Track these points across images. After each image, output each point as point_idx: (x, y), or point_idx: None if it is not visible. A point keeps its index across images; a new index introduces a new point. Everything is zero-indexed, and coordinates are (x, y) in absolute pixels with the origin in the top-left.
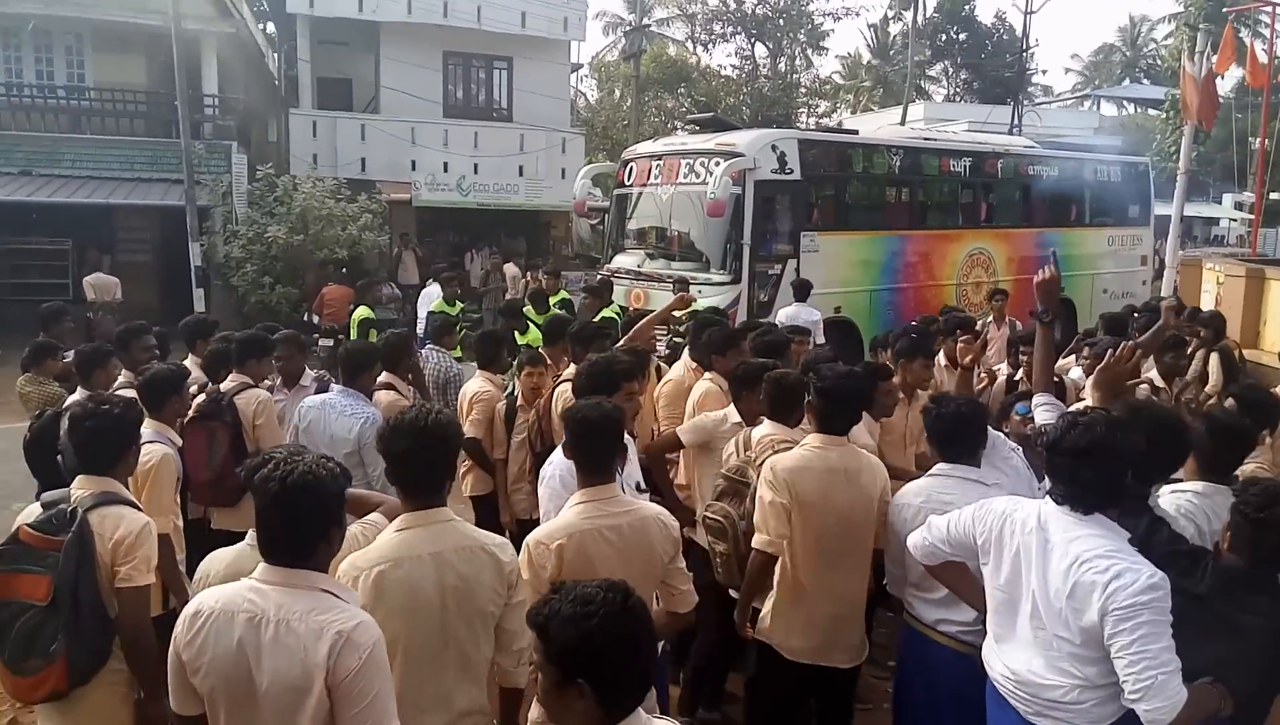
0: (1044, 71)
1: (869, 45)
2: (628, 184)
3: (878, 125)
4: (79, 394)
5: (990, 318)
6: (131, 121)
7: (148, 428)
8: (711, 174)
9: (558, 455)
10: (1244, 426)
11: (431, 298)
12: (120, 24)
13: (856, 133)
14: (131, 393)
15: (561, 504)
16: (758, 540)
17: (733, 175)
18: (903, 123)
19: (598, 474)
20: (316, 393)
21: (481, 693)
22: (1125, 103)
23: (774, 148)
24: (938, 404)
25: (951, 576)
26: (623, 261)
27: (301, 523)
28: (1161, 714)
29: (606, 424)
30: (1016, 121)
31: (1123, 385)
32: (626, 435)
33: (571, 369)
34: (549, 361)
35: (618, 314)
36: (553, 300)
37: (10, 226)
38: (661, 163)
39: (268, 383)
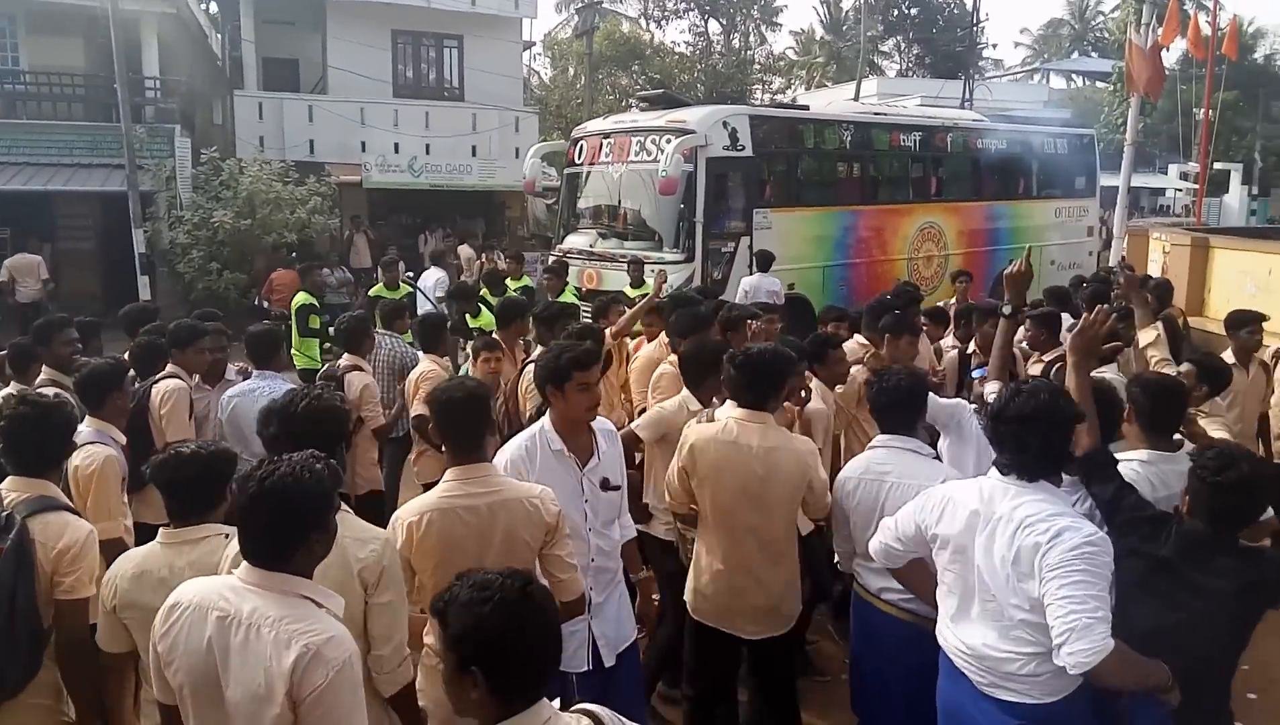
0: (994, 45)
1: (822, 21)
2: (578, 163)
3: (832, 101)
4: (12, 387)
5: (954, 300)
6: (69, 105)
7: (88, 427)
8: (663, 151)
9: (516, 439)
10: (1178, 386)
11: (432, 281)
12: (55, 5)
13: (807, 109)
14: (54, 391)
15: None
16: (667, 503)
17: (684, 152)
18: (856, 98)
19: (465, 453)
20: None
21: None
22: (1074, 76)
23: (725, 124)
24: (878, 377)
25: (916, 578)
26: (575, 241)
27: (278, 526)
28: (1085, 656)
29: (471, 403)
30: (968, 96)
31: (1098, 349)
32: (603, 425)
33: (539, 351)
34: (504, 346)
35: (575, 294)
36: (514, 285)
37: None
38: (612, 141)
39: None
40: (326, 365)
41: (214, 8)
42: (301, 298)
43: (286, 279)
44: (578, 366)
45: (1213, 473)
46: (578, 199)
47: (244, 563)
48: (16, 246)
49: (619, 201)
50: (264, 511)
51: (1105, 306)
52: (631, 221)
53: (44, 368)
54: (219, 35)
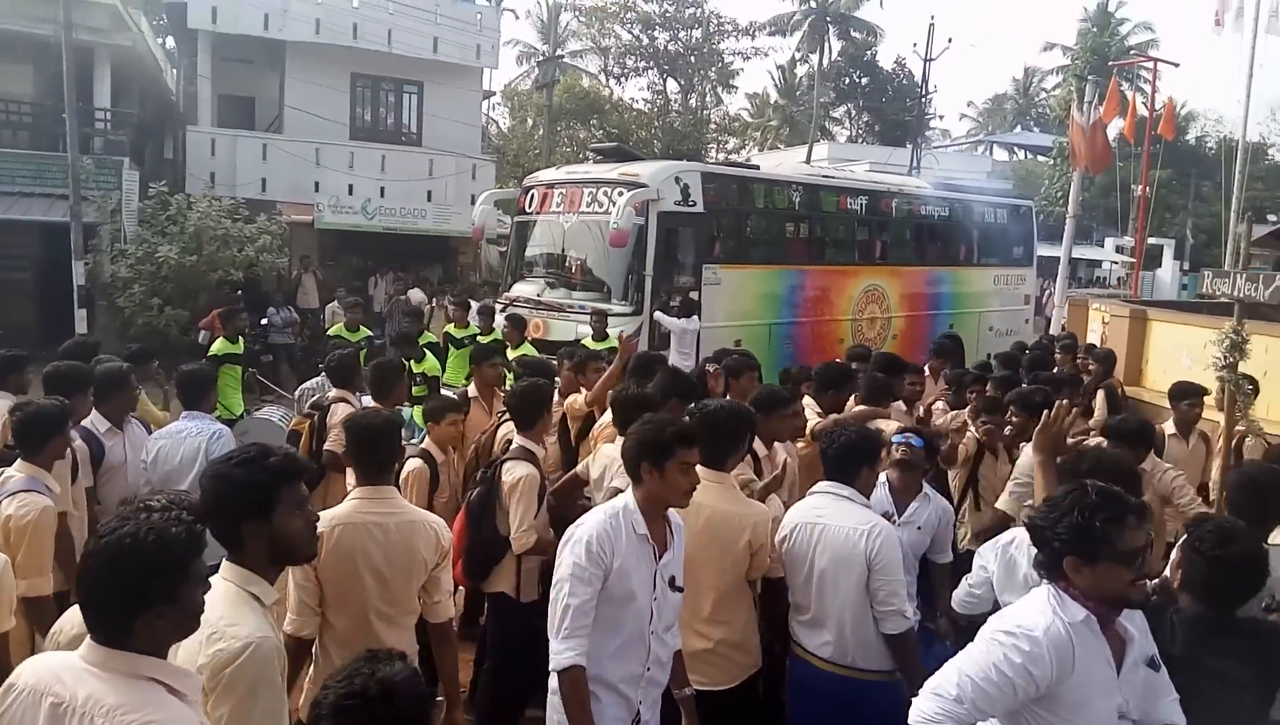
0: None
1: (777, 85)
2: (529, 211)
3: (784, 162)
4: None
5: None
6: (14, 133)
7: (20, 473)
8: (615, 203)
9: (594, 515)
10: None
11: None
12: (6, 31)
13: (758, 168)
14: None
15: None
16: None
17: (636, 205)
18: (808, 161)
19: (376, 476)
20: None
21: None
22: (1016, 149)
23: (678, 180)
24: (833, 432)
25: None
26: (523, 289)
27: (113, 594)
28: None
29: (387, 428)
30: (915, 163)
31: (1063, 444)
32: (674, 517)
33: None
34: (479, 396)
35: (532, 346)
36: (459, 333)
37: None
38: (564, 191)
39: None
40: (314, 395)
41: (171, 43)
42: (219, 346)
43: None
44: (682, 443)
45: (1211, 547)
46: (527, 247)
47: (86, 639)
48: None
49: (569, 252)
50: (98, 574)
51: (1064, 403)
52: (581, 272)
53: None
54: (174, 70)
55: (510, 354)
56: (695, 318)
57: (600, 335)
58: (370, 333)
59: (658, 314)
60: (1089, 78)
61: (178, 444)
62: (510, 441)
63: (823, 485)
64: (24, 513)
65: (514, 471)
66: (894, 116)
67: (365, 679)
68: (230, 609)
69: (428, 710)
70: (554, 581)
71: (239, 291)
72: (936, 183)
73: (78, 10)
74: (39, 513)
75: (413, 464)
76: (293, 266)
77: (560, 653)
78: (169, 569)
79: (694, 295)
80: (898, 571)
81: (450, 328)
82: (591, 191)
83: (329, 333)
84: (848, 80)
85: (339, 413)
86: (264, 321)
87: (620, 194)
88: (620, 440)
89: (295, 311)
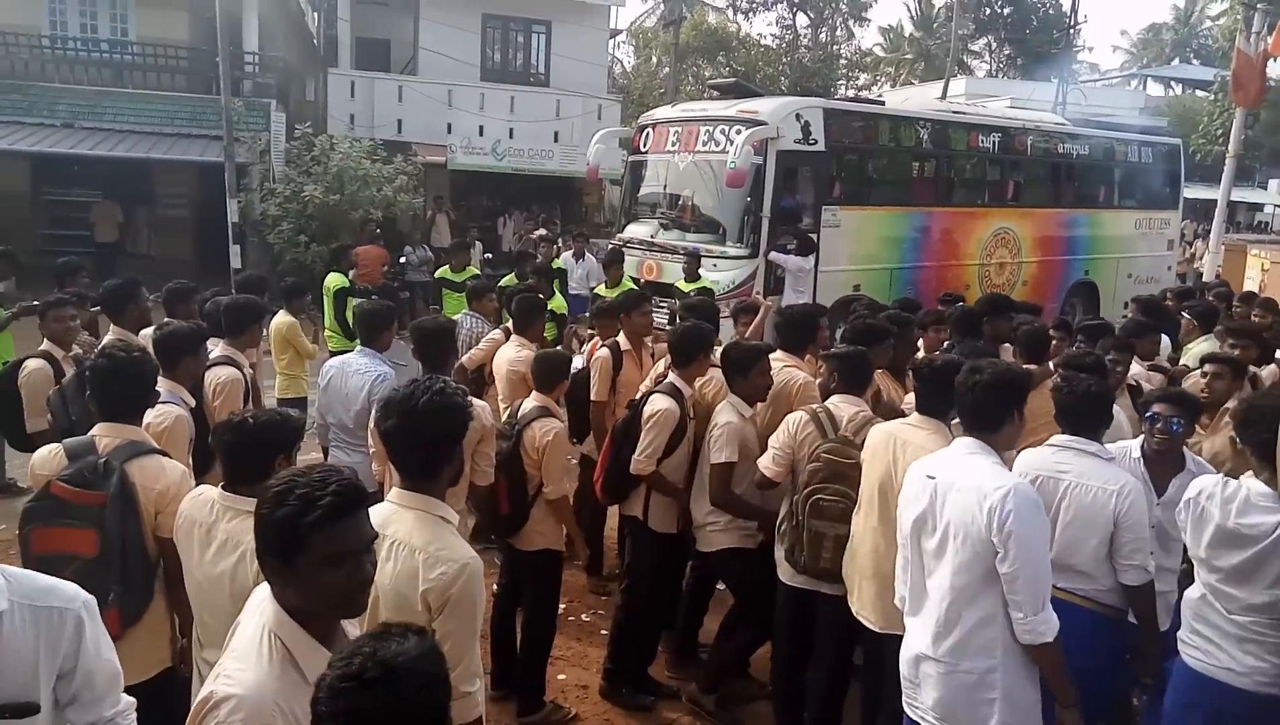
0: (1090, 49)
1: (912, 17)
2: (644, 150)
3: (918, 99)
4: (111, 335)
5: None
6: (173, 77)
7: (161, 386)
8: (732, 142)
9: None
10: None
11: (575, 270)
12: None
13: (883, 104)
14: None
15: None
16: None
17: (754, 144)
18: (943, 97)
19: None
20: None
21: None
22: (1173, 83)
23: (798, 117)
24: (1068, 383)
25: None
26: (635, 231)
27: (431, 442)
28: None
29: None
30: (1060, 99)
31: None
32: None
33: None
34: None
35: (632, 283)
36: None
37: (52, 179)
38: (680, 129)
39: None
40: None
41: None
42: (334, 280)
43: (371, 254)
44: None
45: None
46: (641, 187)
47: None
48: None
49: (683, 192)
50: (421, 421)
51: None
52: (695, 213)
53: (112, 328)
54: (315, 14)
55: (684, 287)
56: (811, 257)
57: (691, 276)
58: (476, 272)
59: (773, 254)
60: (1258, 6)
61: (345, 375)
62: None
63: (1062, 439)
64: (161, 420)
65: (656, 403)
66: (1038, 49)
67: (364, 659)
68: (435, 534)
69: (438, 696)
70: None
71: (378, 230)
72: (1076, 119)
73: None
74: (174, 420)
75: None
76: (427, 206)
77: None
78: (461, 427)
79: (812, 235)
80: (1144, 529)
81: (448, 271)
82: (709, 129)
83: (435, 275)
84: (988, 11)
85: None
86: (401, 260)
87: (738, 132)
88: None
89: (430, 250)
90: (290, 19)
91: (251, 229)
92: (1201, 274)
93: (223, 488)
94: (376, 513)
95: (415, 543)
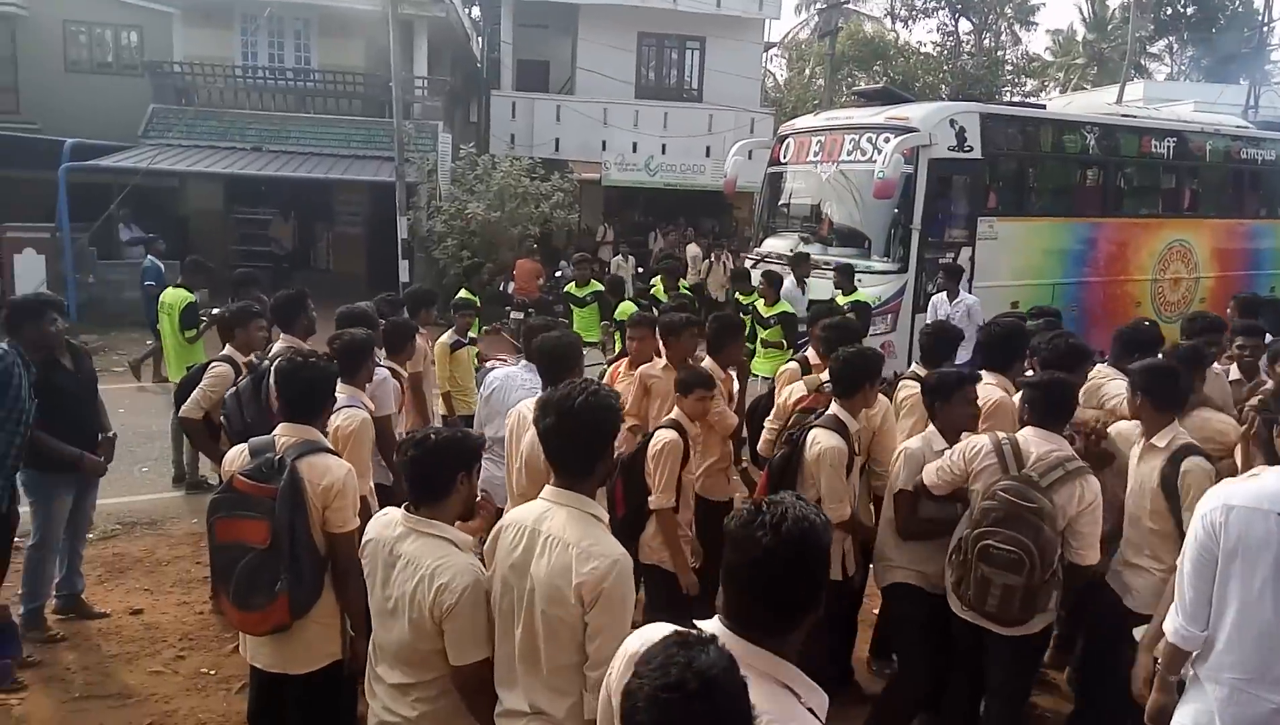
0: None
1: (1085, 19)
2: (784, 161)
3: (1089, 105)
4: (281, 342)
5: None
6: (350, 101)
7: (341, 393)
8: (880, 150)
9: None
10: None
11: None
12: (343, 9)
13: (1044, 107)
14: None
15: None
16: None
17: (905, 152)
18: (1119, 101)
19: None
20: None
21: (549, 699)
22: None
23: (953, 123)
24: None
25: None
26: (774, 245)
27: (584, 441)
28: None
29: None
30: (1252, 102)
31: None
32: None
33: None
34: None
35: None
36: (582, 292)
37: (242, 197)
38: (824, 138)
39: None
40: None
41: (476, 12)
42: (464, 295)
43: (526, 268)
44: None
45: None
46: (779, 200)
47: (549, 485)
48: (301, 226)
49: (825, 203)
50: (573, 422)
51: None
52: (839, 226)
53: (281, 336)
54: (480, 38)
55: (764, 311)
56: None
57: (847, 290)
58: (599, 287)
59: (936, 300)
60: None
61: (507, 388)
62: (800, 403)
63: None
64: (349, 423)
65: (820, 441)
66: (1226, 50)
67: (682, 669)
68: (586, 530)
69: (746, 708)
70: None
71: (537, 245)
72: (1263, 123)
73: None
74: (360, 423)
75: (665, 435)
76: (582, 221)
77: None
78: (615, 427)
79: (967, 251)
80: None
81: (572, 287)
82: (854, 138)
83: (564, 291)
84: (1169, 10)
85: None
86: (558, 274)
87: (887, 139)
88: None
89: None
90: (456, 44)
91: (419, 245)
92: None
93: (406, 508)
94: (530, 509)
95: (569, 538)
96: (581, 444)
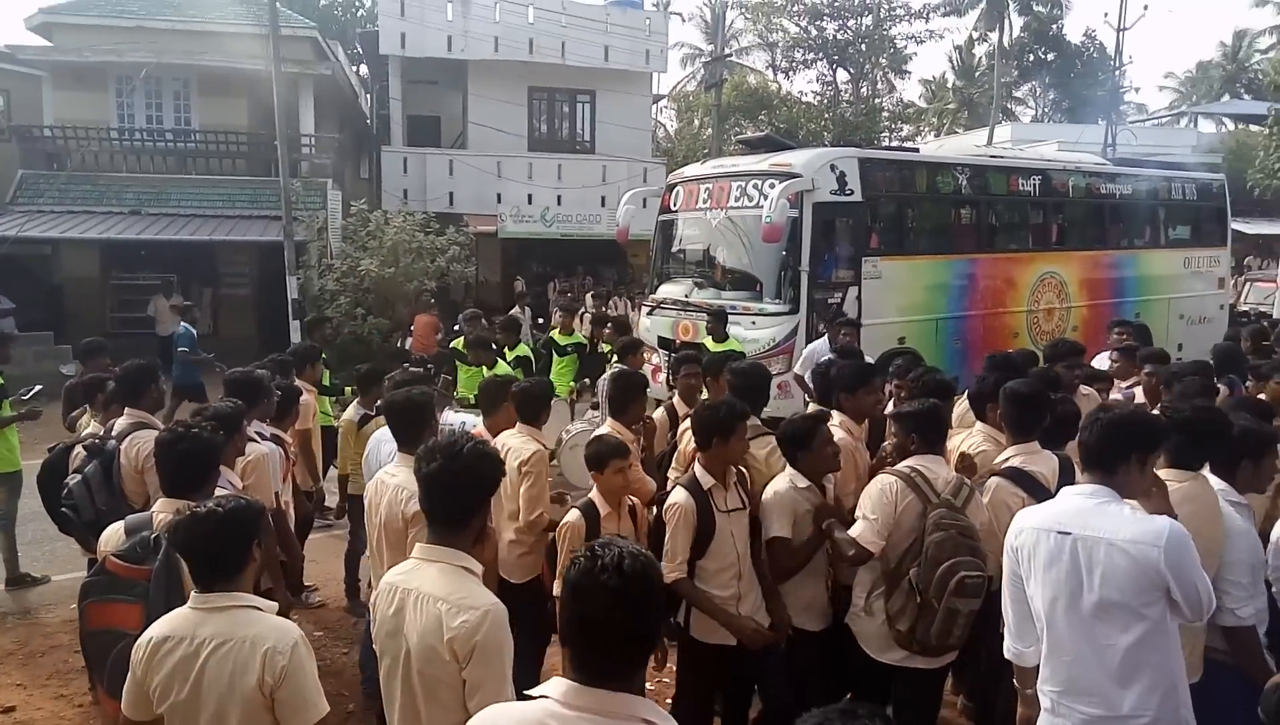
0: (1137, 89)
1: (954, 67)
2: (674, 209)
3: (961, 148)
4: (126, 419)
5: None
6: (234, 161)
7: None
8: (766, 196)
9: None
10: None
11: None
12: (224, 69)
13: (917, 151)
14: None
15: None
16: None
17: (790, 197)
18: (989, 143)
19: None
20: None
21: None
22: (1225, 119)
23: (833, 167)
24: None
25: None
26: (669, 291)
27: (463, 495)
28: None
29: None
30: (1110, 141)
31: None
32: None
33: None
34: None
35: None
36: (565, 341)
37: (121, 263)
38: (712, 185)
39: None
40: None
41: (364, 69)
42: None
43: (424, 322)
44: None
45: None
46: (671, 246)
47: (420, 543)
48: (184, 290)
49: (717, 249)
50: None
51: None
52: (730, 270)
53: (127, 410)
54: (368, 95)
55: (713, 347)
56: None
57: (719, 337)
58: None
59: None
60: None
61: (380, 444)
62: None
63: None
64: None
65: (674, 496)
66: (1084, 92)
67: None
68: (457, 584)
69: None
70: None
71: (433, 300)
72: (1126, 159)
73: (284, 45)
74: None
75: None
76: (479, 275)
77: None
78: (496, 481)
79: (854, 291)
80: None
81: (555, 334)
82: (741, 185)
83: (550, 336)
84: (1031, 57)
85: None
86: (455, 327)
87: (772, 186)
88: None
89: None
90: (344, 101)
91: (311, 304)
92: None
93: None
94: (400, 569)
95: (439, 593)
96: (461, 492)
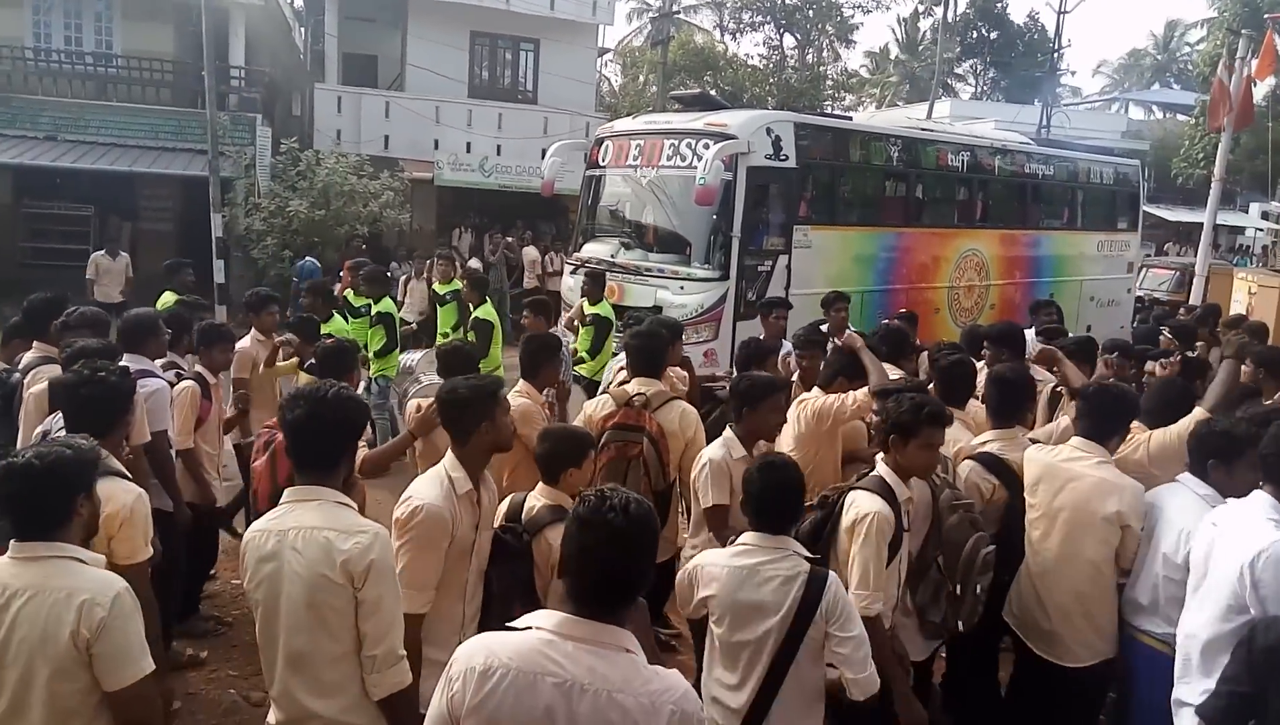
0: (1073, 73)
1: (898, 40)
2: (602, 165)
3: (902, 120)
4: (33, 353)
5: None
6: (158, 90)
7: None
8: (700, 157)
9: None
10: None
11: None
12: None
13: (850, 119)
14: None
15: None
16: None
17: (725, 159)
18: (929, 118)
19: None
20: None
21: (323, 700)
22: (1154, 107)
23: (769, 131)
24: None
25: None
26: (594, 250)
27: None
28: None
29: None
30: (1045, 122)
31: None
32: None
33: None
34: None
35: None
36: (359, 302)
37: (34, 191)
38: (643, 142)
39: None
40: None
41: (299, 2)
42: (166, 298)
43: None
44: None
45: None
46: (599, 204)
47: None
48: (102, 223)
49: (646, 209)
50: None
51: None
52: (659, 231)
53: (35, 344)
54: (302, 29)
55: (587, 309)
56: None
57: (594, 298)
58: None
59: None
60: (1242, 32)
61: None
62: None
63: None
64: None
65: (859, 505)
66: (1023, 72)
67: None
68: (339, 515)
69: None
70: None
71: (364, 245)
72: (1055, 141)
73: None
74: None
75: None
76: (414, 221)
77: None
78: (362, 423)
79: (784, 259)
80: None
81: (436, 284)
82: (674, 143)
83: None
84: (975, 34)
85: None
86: (387, 274)
87: (706, 146)
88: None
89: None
90: (277, 34)
91: (236, 244)
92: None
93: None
94: (272, 515)
95: (322, 524)
96: (328, 434)
